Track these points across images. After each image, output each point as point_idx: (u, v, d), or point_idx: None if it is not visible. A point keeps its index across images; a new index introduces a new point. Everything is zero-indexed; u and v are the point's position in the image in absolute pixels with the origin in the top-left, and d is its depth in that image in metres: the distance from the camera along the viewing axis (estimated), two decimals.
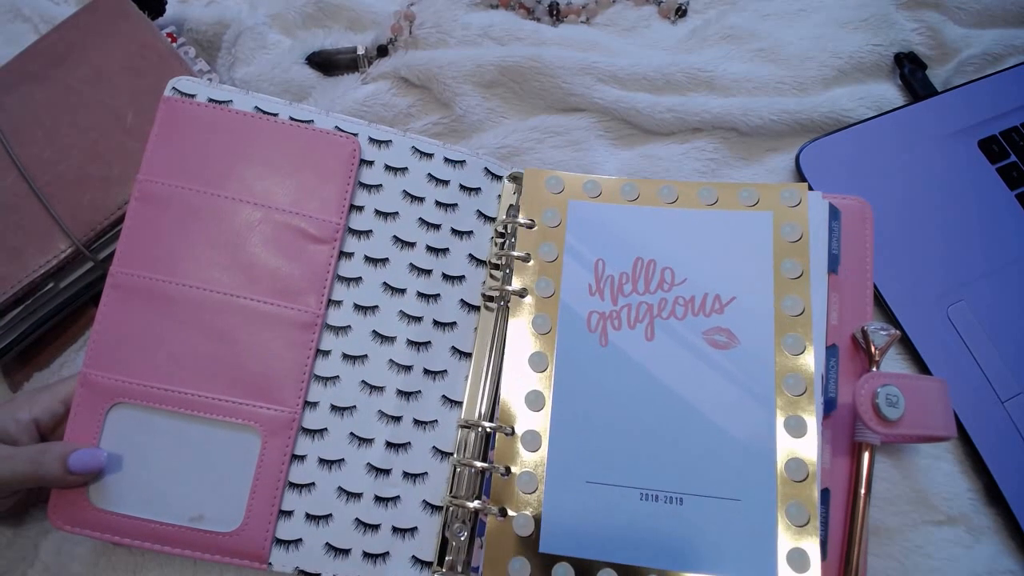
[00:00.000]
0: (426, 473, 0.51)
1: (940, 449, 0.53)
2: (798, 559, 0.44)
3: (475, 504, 0.48)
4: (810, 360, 0.48)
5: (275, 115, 0.54)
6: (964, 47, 0.63)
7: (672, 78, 0.62)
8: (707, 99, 0.61)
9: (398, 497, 0.50)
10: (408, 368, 0.52)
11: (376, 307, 0.53)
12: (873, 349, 0.50)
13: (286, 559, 0.48)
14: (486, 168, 0.57)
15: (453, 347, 0.53)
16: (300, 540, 0.48)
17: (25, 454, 0.46)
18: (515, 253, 0.54)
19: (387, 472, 0.50)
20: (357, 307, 0.52)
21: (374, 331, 0.52)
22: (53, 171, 0.55)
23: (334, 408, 0.51)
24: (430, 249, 0.54)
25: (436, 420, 0.52)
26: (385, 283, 0.53)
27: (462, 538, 0.49)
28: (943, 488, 0.52)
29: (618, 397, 0.49)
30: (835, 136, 0.60)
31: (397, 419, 0.51)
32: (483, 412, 0.52)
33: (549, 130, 0.63)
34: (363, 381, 0.51)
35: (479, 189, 0.56)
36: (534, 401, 0.50)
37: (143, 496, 0.48)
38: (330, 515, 0.49)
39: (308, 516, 0.49)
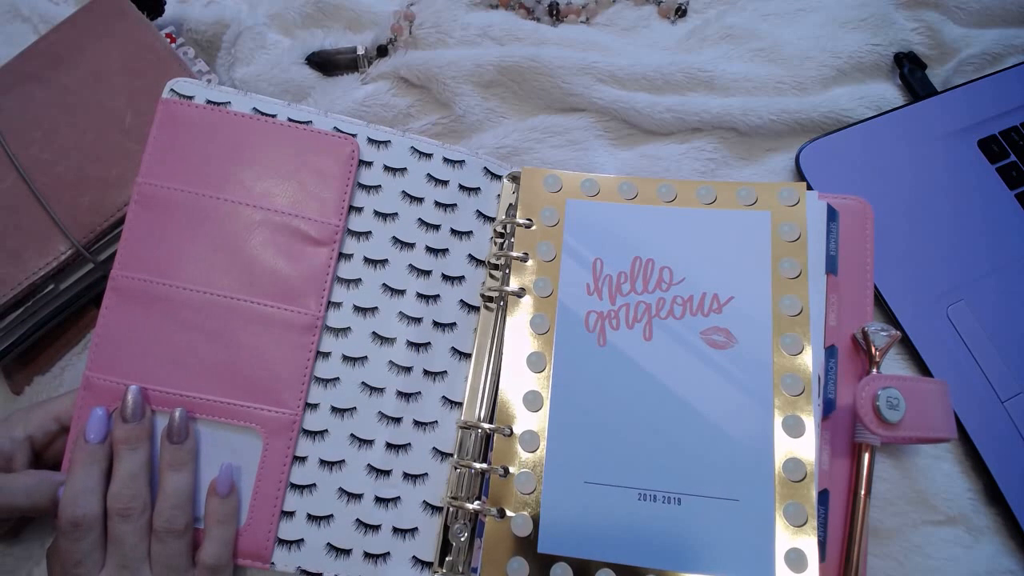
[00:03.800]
0: (426, 474, 0.51)
1: (940, 449, 0.53)
2: (796, 559, 0.44)
3: (474, 505, 0.49)
4: (808, 360, 0.48)
5: (273, 116, 0.54)
6: (964, 47, 0.63)
7: (671, 78, 0.62)
8: (707, 99, 0.61)
9: (398, 498, 0.50)
10: (408, 369, 0.52)
11: (376, 308, 0.53)
12: (873, 350, 0.50)
13: (288, 559, 0.48)
14: (485, 168, 0.57)
15: (453, 348, 0.53)
16: (302, 540, 0.49)
17: (20, 485, 0.46)
18: (513, 253, 0.54)
19: (387, 473, 0.50)
20: (357, 309, 0.52)
21: (374, 332, 0.52)
22: (52, 172, 0.55)
23: (334, 410, 0.51)
24: (429, 250, 0.54)
25: (436, 421, 0.52)
26: (385, 284, 0.53)
27: (462, 539, 0.49)
28: (943, 488, 0.52)
29: (616, 397, 0.49)
30: (835, 136, 0.60)
31: (397, 420, 0.51)
32: (483, 413, 0.52)
33: (548, 130, 0.63)
34: (363, 382, 0.51)
35: (478, 189, 0.56)
36: (532, 401, 0.50)
37: None
38: (331, 516, 0.49)
39: (309, 516, 0.49)
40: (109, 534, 0.45)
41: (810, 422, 0.47)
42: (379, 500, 0.50)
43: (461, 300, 0.54)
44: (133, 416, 0.47)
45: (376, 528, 0.49)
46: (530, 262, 0.54)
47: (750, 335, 0.50)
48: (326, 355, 0.51)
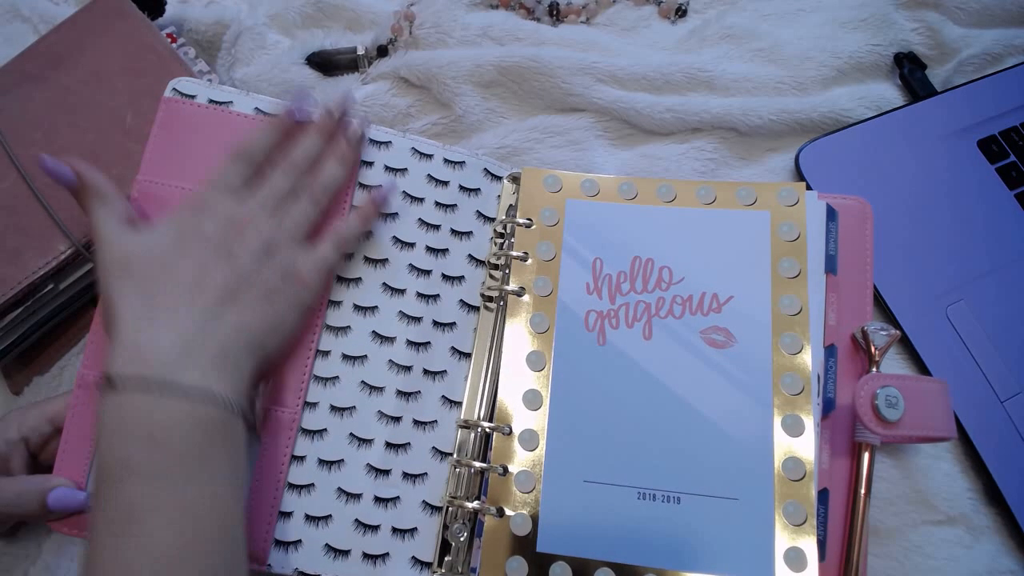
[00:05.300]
0: (426, 473, 0.51)
1: (940, 449, 0.53)
2: (795, 558, 0.44)
3: (474, 504, 0.48)
4: (807, 359, 0.48)
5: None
6: (963, 47, 0.63)
7: (671, 78, 0.62)
8: (707, 99, 0.61)
9: (398, 498, 0.50)
10: (408, 368, 0.52)
11: (376, 308, 0.53)
12: (873, 349, 0.50)
13: (285, 560, 0.48)
14: (485, 169, 0.57)
15: (453, 347, 0.53)
16: (299, 541, 0.48)
17: (9, 491, 0.47)
18: (513, 253, 0.54)
19: (387, 473, 0.50)
20: (357, 308, 0.52)
21: (374, 332, 0.52)
22: None
23: (334, 408, 0.51)
24: (430, 250, 0.54)
25: (436, 420, 0.52)
26: (385, 284, 0.53)
27: (462, 539, 0.49)
28: (943, 488, 0.52)
29: (616, 396, 0.49)
30: (835, 136, 0.60)
31: (397, 419, 0.51)
32: (482, 412, 0.52)
33: (549, 130, 0.63)
34: (363, 381, 0.51)
35: (478, 190, 0.56)
36: (532, 400, 0.50)
37: None
38: (329, 516, 0.49)
39: (308, 517, 0.49)
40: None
41: (809, 421, 0.47)
42: (378, 500, 0.50)
43: (461, 300, 0.54)
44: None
45: (375, 528, 0.49)
46: (530, 261, 0.54)
47: (750, 334, 0.50)
48: (325, 354, 0.51)
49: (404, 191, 0.55)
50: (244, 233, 0.48)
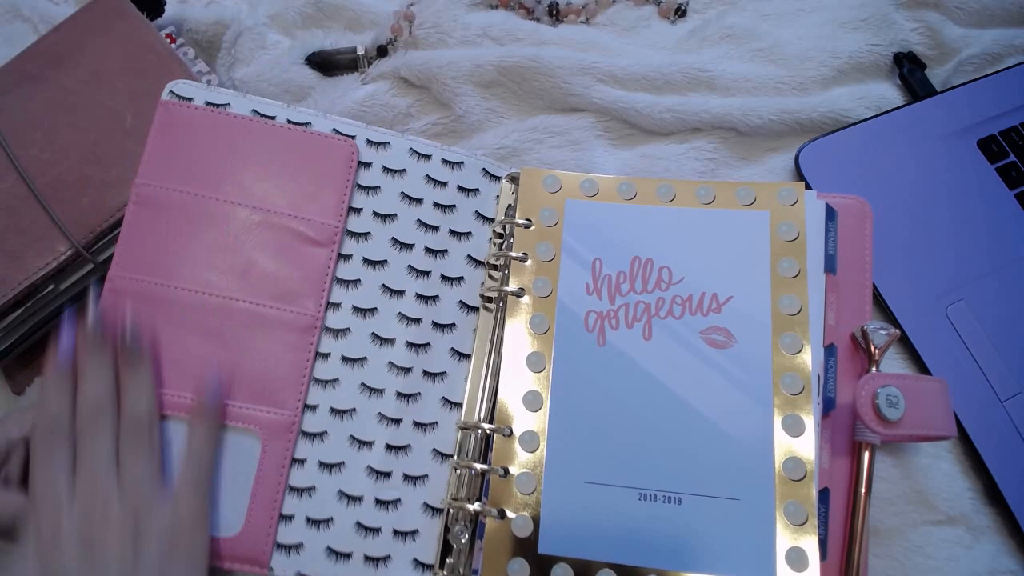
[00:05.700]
0: (426, 475, 0.51)
1: (940, 449, 0.53)
2: (796, 558, 0.44)
3: (475, 506, 0.48)
4: (807, 359, 0.48)
5: (273, 118, 0.54)
6: (963, 47, 0.63)
7: (671, 78, 0.62)
8: (707, 99, 0.61)
9: (399, 500, 0.50)
10: (407, 370, 0.52)
11: (375, 309, 0.53)
12: (873, 348, 0.50)
13: (287, 564, 0.48)
14: (484, 169, 0.57)
15: (452, 348, 0.53)
16: (301, 544, 0.48)
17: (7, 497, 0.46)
18: (512, 253, 0.54)
19: (387, 475, 0.50)
20: (356, 309, 0.52)
21: (373, 333, 0.52)
22: (52, 173, 0.55)
23: (334, 411, 0.51)
24: (428, 251, 0.54)
25: (436, 422, 0.52)
26: (384, 285, 0.53)
27: (463, 540, 0.49)
28: (943, 488, 0.52)
29: (616, 397, 0.49)
30: (834, 136, 0.60)
31: (397, 421, 0.51)
32: (483, 413, 0.52)
33: (548, 130, 0.63)
34: (362, 383, 0.51)
35: (477, 190, 0.56)
36: (532, 401, 0.50)
37: None
38: (331, 519, 0.49)
39: (309, 520, 0.49)
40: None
41: (810, 421, 0.47)
42: (379, 502, 0.50)
43: (460, 301, 0.54)
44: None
45: (376, 531, 0.49)
46: (529, 262, 0.53)
47: (749, 334, 0.50)
48: (325, 356, 0.51)
49: (403, 192, 0.55)
50: (100, 542, 0.43)
